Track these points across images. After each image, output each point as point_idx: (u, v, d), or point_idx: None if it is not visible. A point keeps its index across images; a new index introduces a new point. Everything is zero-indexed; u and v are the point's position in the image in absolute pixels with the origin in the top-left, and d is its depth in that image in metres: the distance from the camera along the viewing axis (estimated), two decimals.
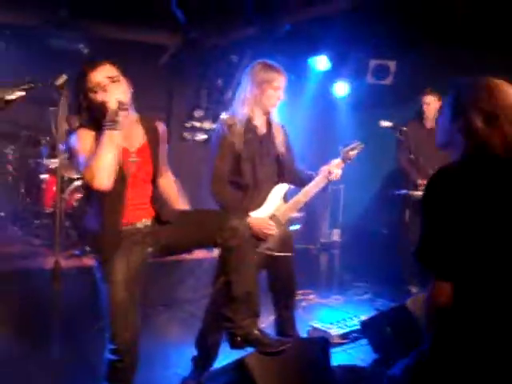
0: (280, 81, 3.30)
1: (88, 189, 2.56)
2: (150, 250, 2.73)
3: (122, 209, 2.58)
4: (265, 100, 3.31)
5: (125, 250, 2.60)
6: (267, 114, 3.40)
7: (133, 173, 2.60)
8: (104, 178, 2.42)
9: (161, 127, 2.86)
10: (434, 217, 1.86)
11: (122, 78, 2.61)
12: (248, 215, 3.23)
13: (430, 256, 1.87)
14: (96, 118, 2.55)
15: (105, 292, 2.60)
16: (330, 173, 3.40)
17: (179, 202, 2.99)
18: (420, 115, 5.64)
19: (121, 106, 2.49)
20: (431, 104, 5.50)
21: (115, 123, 2.47)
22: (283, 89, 3.33)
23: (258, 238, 3.22)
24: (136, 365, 2.71)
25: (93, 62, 2.60)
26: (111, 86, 2.53)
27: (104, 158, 2.43)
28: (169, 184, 3.00)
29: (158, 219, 2.74)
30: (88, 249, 4.88)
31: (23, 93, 2.70)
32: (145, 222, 2.70)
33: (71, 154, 2.63)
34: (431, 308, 1.90)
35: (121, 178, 2.53)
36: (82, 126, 2.62)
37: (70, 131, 5.66)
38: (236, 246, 2.69)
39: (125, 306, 2.59)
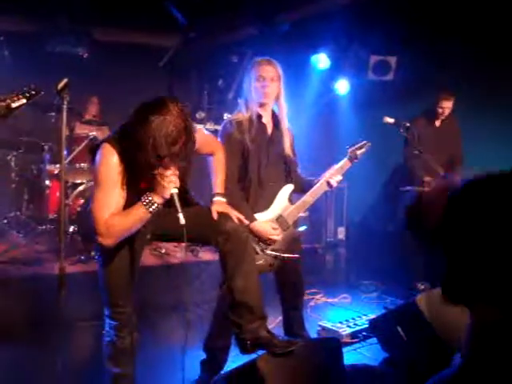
0: (261, 70, 3.27)
1: None
2: (149, 236, 2.74)
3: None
4: (254, 93, 3.29)
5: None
6: (273, 111, 3.38)
7: None
8: (116, 243, 2.43)
9: (197, 136, 2.57)
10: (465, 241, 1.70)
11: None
12: (254, 218, 3.20)
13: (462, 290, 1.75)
14: (132, 161, 2.36)
15: (103, 271, 2.65)
16: (328, 183, 3.40)
17: (219, 179, 2.93)
18: (431, 114, 5.57)
19: (171, 197, 2.38)
20: (447, 108, 5.46)
21: (155, 207, 2.38)
22: (269, 79, 3.27)
23: (263, 241, 3.20)
24: (135, 348, 2.78)
25: (177, 135, 2.28)
26: (173, 163, 2.35)
27: (127, 231, 2.42)
28: (217, 161, 2.95)
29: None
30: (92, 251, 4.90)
31: (26, 100, 2.65)
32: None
33: (92, 171, 2.50)
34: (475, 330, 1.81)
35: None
36: (109, 140, 2.44)
37: (71, 136, 5.71)
38: (230, 250, 2.66)
39: (122, 284, 2.66)
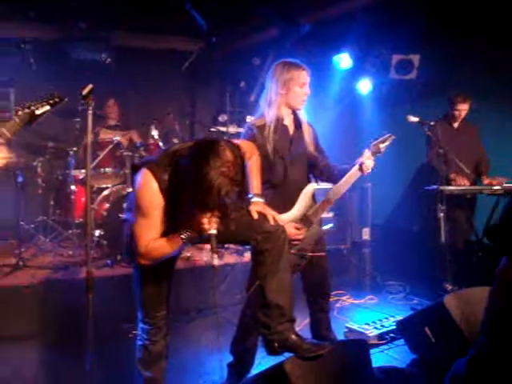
0: (304, 76, 3.29)
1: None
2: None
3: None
4: (292, 98, 3.30)
5: None
6: (295, 112, 3.38)
7: None
8: (157, 261, 2.49)
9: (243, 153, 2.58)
10: None
11: None
12: None
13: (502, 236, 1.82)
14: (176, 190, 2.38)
15: (138, 278, 2.68)
16: (361, 165, 3.32)
17: (255, 180, 2.92)
18: (448, 118, 5.66)
19: (209, 236, 2.40)
20: (463, 111, 5.54)
21: (191, 241, 2.49)
22: (308, 84, 3.31)
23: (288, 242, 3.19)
24: (166, 354, 2.84)
25: (230, 188, 2.25)
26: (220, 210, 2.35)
27: (165, 256, 2.49)
28: (254, 163, 2.95)
29: None
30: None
31: (50, 107, 2.69)
32: None
33: (135, 195, 2.48)
34: (502, 283, 1.85)
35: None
36: (151, 167, 2.43)
37: (96, 141, 5.77)
38: (268, 249, 2.67)
39: (158, 291, 2.71)
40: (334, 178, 3.47)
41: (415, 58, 6.25)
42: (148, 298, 2.72)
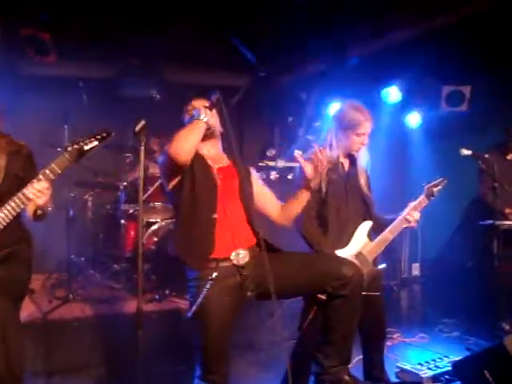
0: (365, 127, 3.25)
1: (176, 211, 2.70)
2: (249, 294, 2.66)
3: (212, 221, 2.59)
4: (347, 144, 3.27)
5: (222, 291, 2.55)
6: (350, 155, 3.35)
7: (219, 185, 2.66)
8: (183, 146, 2.53)
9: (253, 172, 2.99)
10: None
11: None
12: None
13: None
14: None
15: (199, 330, 2.58)
16: (407, 220, 3.31)
17: None
18: (502, 149, 5.52)
19: (205, 106, 2.66)
20: None
21: (199, 115, 2.62)
22: (368, 134, 3.27)
23: None
24: None
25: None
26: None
27: (187, 131, 2.58)
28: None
29: (264, 246, 2.63)
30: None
31: (98, 142, 2.76)
32: (241, 255, 2.62)
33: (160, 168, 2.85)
34: None
35: (208, 190, 2.62)
36: None
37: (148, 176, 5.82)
38: (346, 295, 2.59)
39: (219, 348, 2.58)
40: (378, 227, 3.42)
41: (466, 90, 6.15)
42: (209, 355, 2.60)
